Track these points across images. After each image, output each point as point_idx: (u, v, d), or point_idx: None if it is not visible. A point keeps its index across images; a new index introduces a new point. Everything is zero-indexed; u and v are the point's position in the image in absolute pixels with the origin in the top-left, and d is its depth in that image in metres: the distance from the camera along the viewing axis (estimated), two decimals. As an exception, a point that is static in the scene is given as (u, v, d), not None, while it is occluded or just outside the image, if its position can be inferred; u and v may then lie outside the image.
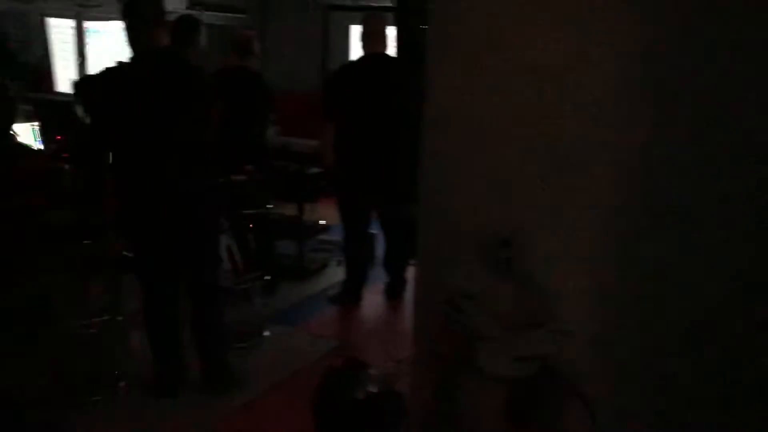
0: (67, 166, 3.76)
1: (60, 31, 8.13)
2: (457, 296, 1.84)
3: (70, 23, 7.85)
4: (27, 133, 4.23)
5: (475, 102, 2.08)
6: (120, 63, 2.95)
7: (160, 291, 3.13)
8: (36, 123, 4.39)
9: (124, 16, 2.88)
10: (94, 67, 6.09)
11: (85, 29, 5.71)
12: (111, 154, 3.06)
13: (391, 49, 4.24)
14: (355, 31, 6.57)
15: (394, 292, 4.59)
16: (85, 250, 3.36)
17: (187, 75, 3.04)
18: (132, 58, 2.92)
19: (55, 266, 3.41)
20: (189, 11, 5.99)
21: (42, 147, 4.29)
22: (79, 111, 3.80)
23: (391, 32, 4.24)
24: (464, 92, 2.11)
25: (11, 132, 3.37)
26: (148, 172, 2.94)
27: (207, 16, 6.25)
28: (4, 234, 3.23)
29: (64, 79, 8.18)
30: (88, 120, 3.81)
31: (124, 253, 3.39)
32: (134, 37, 2.89)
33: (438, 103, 2.18)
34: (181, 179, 2.96)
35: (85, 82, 3.96)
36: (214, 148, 3.18)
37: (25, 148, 3.41)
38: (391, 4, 4.62)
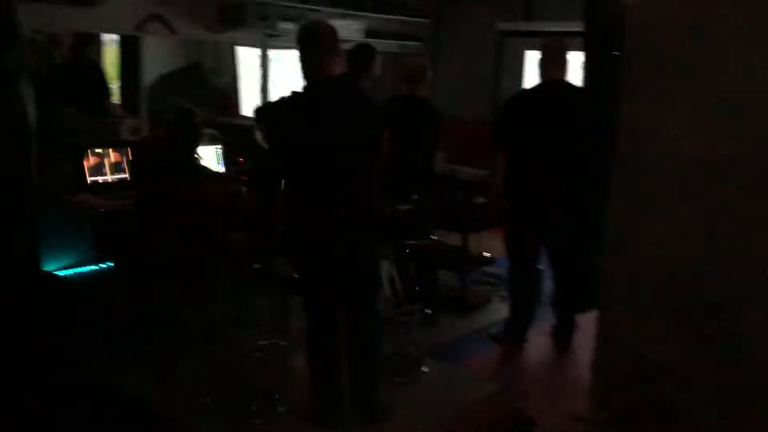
0: (244, 188, 3.91)
1: (247, 58, 8.68)
2: (650, 364, 1.57)
3: (257, 51, 8.33)
4: (211, 156, 4.47)
5: (677, 137, 1.81)
6: (295, 92, 2.99)
7: (323, 317, 3.11)
8: (220, 146, 4.63)
9: (299, 46, 2.91)
10: (275, 93, 6.38)
11: (269, 57, 5.99)
12: (284, 179, 3.11)
13: (572, 76, 3.98)
14: (532, 57, 6.35)
15: (562, 336, 4.28)
16: (256, 273, 3.43)
17: (358, 103, 3.02)
18: (305, 87, 2.94)
19: (229, 287, 3.53)
20: (365, 40, 6.10)
21: (224, 169, 4.51)
22: (258, 136, 3.93)
23: (573, 58, 3.98)
24: (665, 125, 1.84)
25: (195, 155, 3.54)
26: (321, 198, 2.93)
27: (382, 44, 6.33)
28: (185, 253, 3.37)
29: (249, 104, 8.72)
30: (265, 145, 3.95)
31: (292, 275, 3.43)
32: (309, 66, 2.91)
33: (631, 137, 1.93)
34: (350, 207, 2.94)
35: (264, 108, 4.10)
36: (382, 176, 3.12)
37: (207, 171, 3.57)
38: (574, 29, 4.38)
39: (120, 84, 8.75)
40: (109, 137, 4.80)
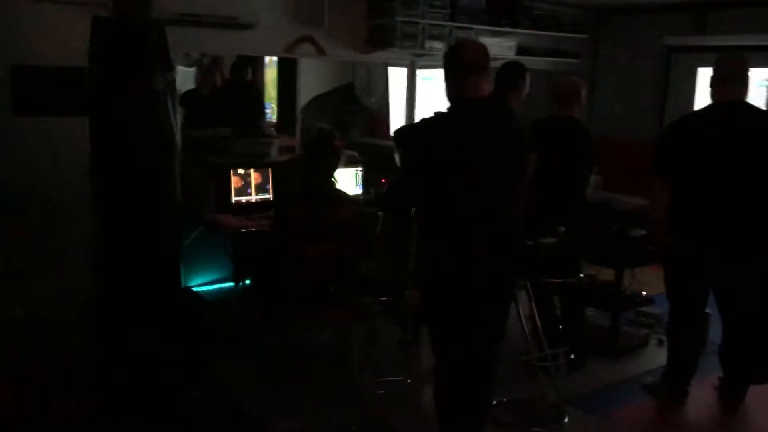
0: (380, 213, 3.79)
1: (398, 78, 8.68)
2: None
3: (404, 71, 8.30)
4: (350, 178, 4.41)
5: None
6: (439, 113, 2.80)
7: (453, 354, 2.88)
8: (360, 168, 4.57)
9: (446, 65, 2.73)
10: (421, 113, 6.26)
11: (416, 76, 5.88)
12: (420, 205, 2.92)
13: (752, 97, 3.47)
14: (704, 75, 5.73)
15: (732, 392, 3.72)
16: (386, 303, 3.29)
17: (504, 125, 2.77)
18: (450, 108, 2.75)
19: (359, 316, 3.41)
20: (517, 57, 5.83)
21: (361, 191, 4.43)
22: (397, 159, 3.80)
23: (754, 75, 3.46)
24: None
25: (333, 179, 3.47)
26: (461, 224, 2.70)
27: (536, 62, 6.03)
28: (317, 279, 3.30)
29: (396, 124, 8.72)
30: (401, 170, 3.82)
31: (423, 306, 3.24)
32: (454, 86, 2.72)
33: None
34: (492, 234, 2.68)
35: (404, 130, 3.96)
36: (526, 204, 2.85)
37: (343, 195, 3.48)
38: (755, 42, 3.84)
39: (277, 104, 9.11)
40: (258, 157, 4.90)
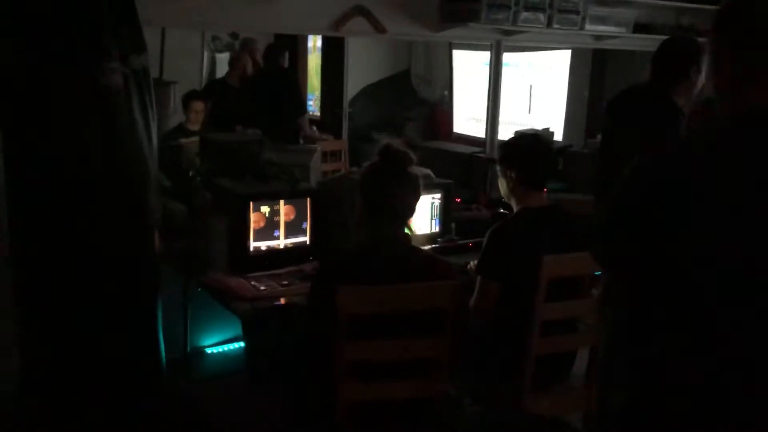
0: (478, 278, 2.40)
1: (464, 64, 7.22)
2: None
3: (479, 56, 6.85)
4: (423, 212, 2.99)
5: None
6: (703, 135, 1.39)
7: None
8: (438, 194, 3.15)
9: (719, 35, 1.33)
10: (506, 111, 4.79)
11: (501, 62, 4.42)
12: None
13: None
14: None
15: None
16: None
17: None
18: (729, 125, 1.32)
19: None
20: (632, 35, 4.36)
21: (438, 230, 3.03)
22: (504, 187, 2.41)
23: None
24: None
25: (408, 228, 2.09)
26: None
27: (651, 42, 4.53)
28: (381, 399, 1.93)
29: (464, 121, 7.25)
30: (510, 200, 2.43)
31: None
32: (737, 82, 1.30)
33: None
34: None
35: (519, 145, 2.50)
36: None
37: (428, 261, 2.09)
38: None
39: (321, 96, 7.74)
40: (293, 174, 3.55)
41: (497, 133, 4.30)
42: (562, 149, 4.44)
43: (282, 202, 2.79)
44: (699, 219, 1.19)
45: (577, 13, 3.99)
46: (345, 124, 7.10)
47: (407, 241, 2.06)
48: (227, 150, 3.73)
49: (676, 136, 2.48)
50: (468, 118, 7.07)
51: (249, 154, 3.97)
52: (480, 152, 4.43)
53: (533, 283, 2.18)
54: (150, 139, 2.07)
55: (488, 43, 4.38)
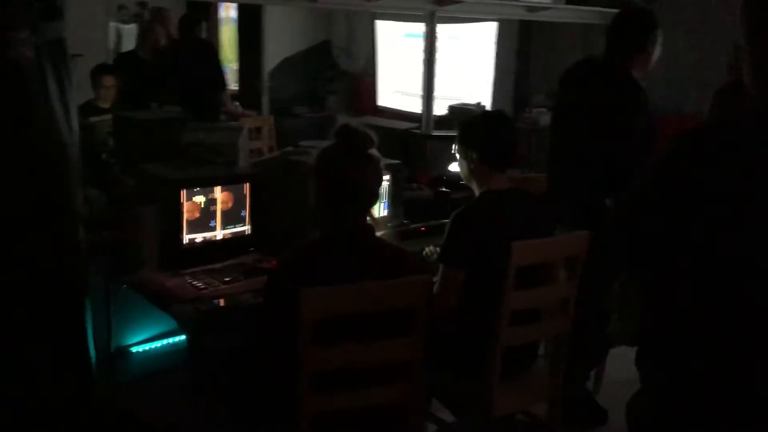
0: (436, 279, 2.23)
1: (388, 35, 7.02)
2: None
3: (402, 27, 6.67)
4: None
5: None
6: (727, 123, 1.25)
7: None
8: (387, 175, 2.95)
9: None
10: (443, 86, 4.61)
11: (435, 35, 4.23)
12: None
13: None
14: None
15: None
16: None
17: None
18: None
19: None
20: (563, 6, 4.30)
21: (387, 216, 2.84)
22: (464, 168, 2.26)
23: None
24: None
25: (371, 218, 1.89)
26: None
27: (585, 13, 4.50)
28: (349, 408, 1.74)
29: (389, 94, 7.06)
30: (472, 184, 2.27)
31: None
32: None
33: None
34: None
35: (482, 124, 2.33)
36: None
37: (396, 254, 1.89)
38: None
39: (238, 69, 7.37)
40: (223, 155, 3.27)
41: (433, 109, 4.14)
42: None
43: (218, 188, 2.52)
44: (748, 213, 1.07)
45: (514, -17, 3.87)
46: (266, 99, 6.77)
47: (372, 232, 1.87)
48: (145, 129, 3.40)
49: (639, 113, 2.40)
50: (393, 91, 6.89)
51: (169, 133, 3.64)
52: (415, 128, 4.27)
53: (502, 271, 2.04)
54: (69, 120, 1.77)
55: (420, 14, 4.18)
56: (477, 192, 2.27)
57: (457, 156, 2.32)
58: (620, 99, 2.40)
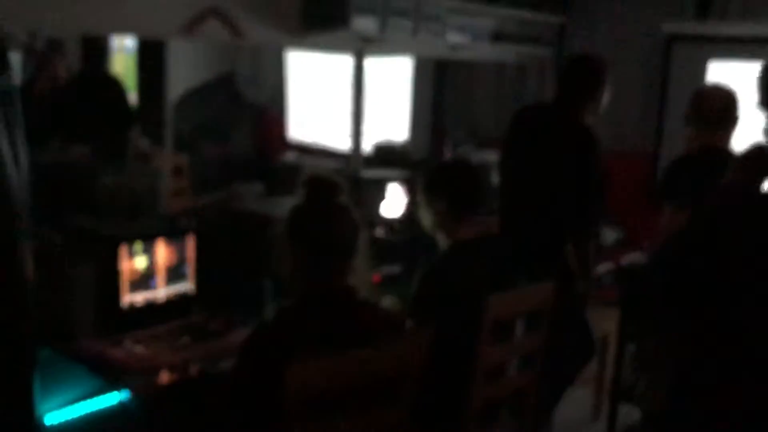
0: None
1: (298, 66, 6.90)
2: None
3: (313, 58, 6.57)
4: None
5: None
6: None
7: None
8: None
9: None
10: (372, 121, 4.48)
11: (363, 69, 4.13)
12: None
13: None
14: (719, 72, 4.55)
15: None
16: None
17: None
18: None
19: None
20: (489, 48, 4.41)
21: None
22: (427, 219, 2.19)
23: None
24: None
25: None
26: None
27: (507, 51, 4.67)
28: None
29: (298, 127, 6.92)
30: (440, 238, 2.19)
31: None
32: None
33: None
34: None
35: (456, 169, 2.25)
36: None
37: (380, 316, 1.78)
38: None
39: (139, 103, 6.97)
40: (150, 199, 3.07)
41: (361, 148, 4.06)
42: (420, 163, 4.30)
43: (161, 242, 2.31)
44: None
45: (441, 21, 3.90)
46: (168, 133, 6.45)
47: (354, 292, 1.75)
48: (52, 174, 3.12)
49: (595, 159, 2.43)
50: (303, 125, 6.76)
51: (81, 178, 3.38)
52: (341, 169, 4.16)
53: (475, 325, 1.98)
54: (21, 175, 1.55)
55: (349, 51, 4.11)
56: (443, 243, 2.20)
57: (420, 205, 2.24)
58: (575, 146, 2.43)
